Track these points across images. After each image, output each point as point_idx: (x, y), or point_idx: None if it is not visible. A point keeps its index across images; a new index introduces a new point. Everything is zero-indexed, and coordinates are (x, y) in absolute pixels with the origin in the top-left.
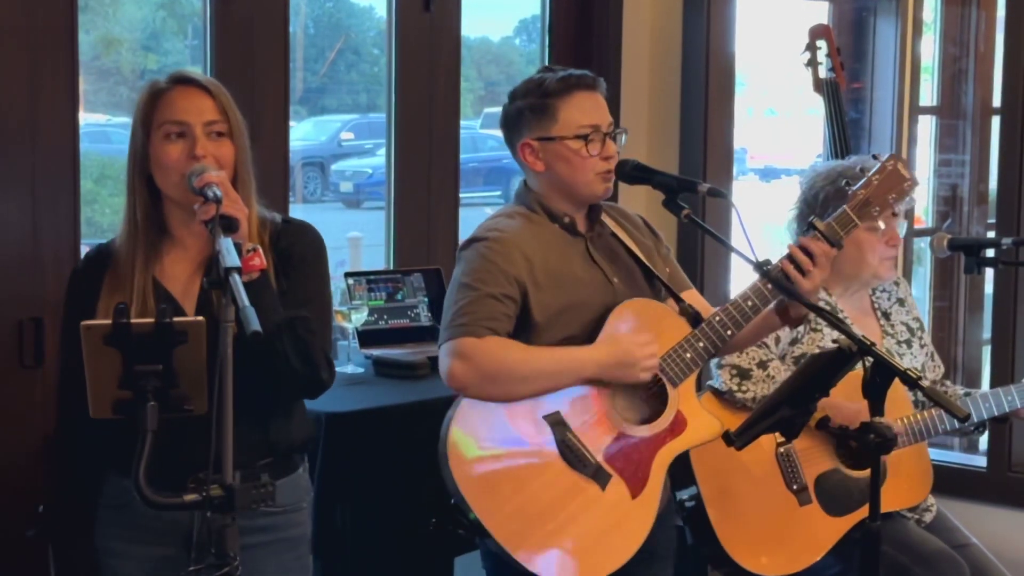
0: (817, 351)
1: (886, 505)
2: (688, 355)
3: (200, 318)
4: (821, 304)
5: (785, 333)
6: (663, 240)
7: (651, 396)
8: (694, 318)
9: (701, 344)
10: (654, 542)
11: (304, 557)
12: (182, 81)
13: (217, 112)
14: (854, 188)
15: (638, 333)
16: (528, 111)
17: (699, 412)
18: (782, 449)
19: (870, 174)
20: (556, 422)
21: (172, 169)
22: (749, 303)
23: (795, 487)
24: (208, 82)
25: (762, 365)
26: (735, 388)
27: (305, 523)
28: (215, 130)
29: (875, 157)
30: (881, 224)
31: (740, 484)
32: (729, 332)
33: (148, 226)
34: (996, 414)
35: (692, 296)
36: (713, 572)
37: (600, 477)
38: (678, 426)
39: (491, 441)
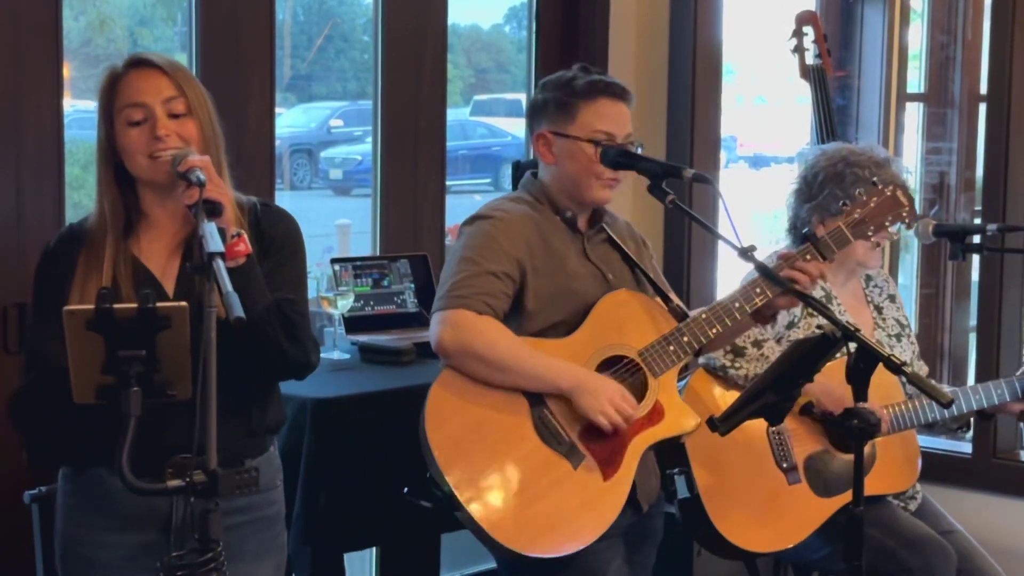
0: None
1: (873, 488)
2: (671, 347)
3: (183, 303)
4: (819, 290)
5: (780, 317)
6: (649, 247)
7: (633, 385)
8: (681, 316)
9: (685, 338)
10: (646, 528)
11: (280, 536)
12: (137, 64)
13: (174, 89)
14: (850, 206)
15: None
16: (552, 104)
17: (678, 404)
18: (774, 428)
19: (867, 196)
20: (535, 399)
21: (138, 153)
22: (736, 304)
23: (784, 465)
24: (163, 62)
25: (757, 344)
26: (728, 364)
27: (280, 502)
28: (173, 109)
29: (874, 183)
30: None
31: (731, 460)
32: (714, 329)
33: (119, 211)
34: (985, 406)
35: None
36: (700, 548)
37: (573, 456)
38: (655, 416)
39: (470, 412)
